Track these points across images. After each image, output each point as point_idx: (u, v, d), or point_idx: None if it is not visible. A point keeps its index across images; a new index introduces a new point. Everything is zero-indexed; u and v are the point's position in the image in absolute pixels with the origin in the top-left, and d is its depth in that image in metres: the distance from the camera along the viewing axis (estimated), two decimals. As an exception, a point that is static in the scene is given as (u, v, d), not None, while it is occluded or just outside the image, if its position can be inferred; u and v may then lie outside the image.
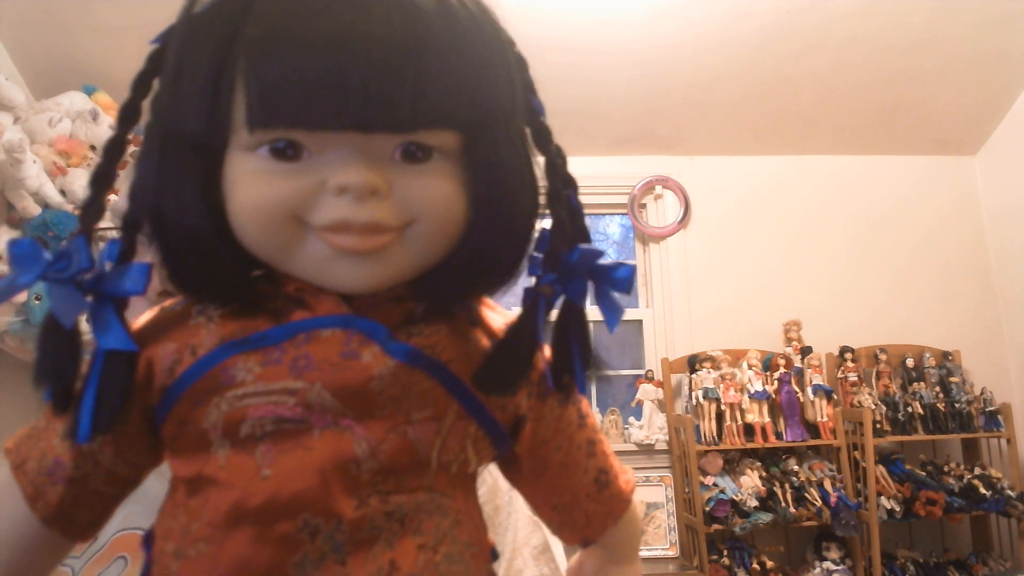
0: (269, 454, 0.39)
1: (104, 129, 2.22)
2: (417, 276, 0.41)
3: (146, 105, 0.41)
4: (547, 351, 0.43)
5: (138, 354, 0.40)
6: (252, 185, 0.37)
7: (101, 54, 2.38)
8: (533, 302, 0.41)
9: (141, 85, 0.41)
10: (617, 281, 0.41)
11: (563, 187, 0.43)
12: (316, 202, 0.37)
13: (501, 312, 0.46)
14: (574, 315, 0.42)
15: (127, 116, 0.41)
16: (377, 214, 0.37)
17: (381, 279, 0.40)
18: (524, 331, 0.41)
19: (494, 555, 0.47)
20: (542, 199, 0.42)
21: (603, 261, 0.41)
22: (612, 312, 0.42)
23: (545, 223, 0.43)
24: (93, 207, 0.41)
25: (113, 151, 0.41)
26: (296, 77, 0.35)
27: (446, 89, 0.36)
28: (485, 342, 0.43)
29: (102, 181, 0.41)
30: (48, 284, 0.38)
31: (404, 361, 0.40)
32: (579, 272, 0.41)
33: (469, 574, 0.42)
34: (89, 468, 0.42)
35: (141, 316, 0.43)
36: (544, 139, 0.43)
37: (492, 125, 0.39)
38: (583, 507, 0.49)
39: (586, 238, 0.43)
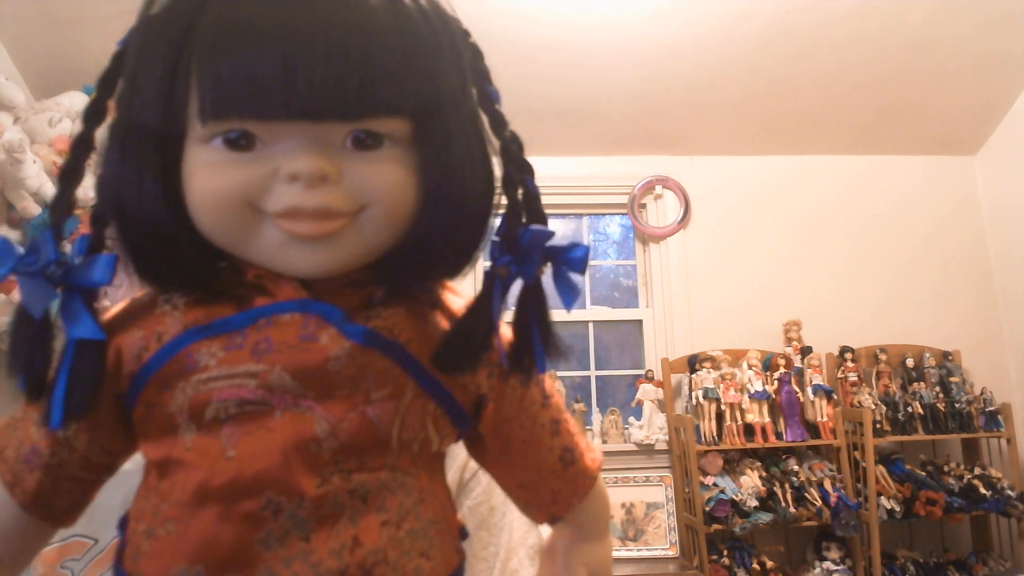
0: (233, 436, 0.40)
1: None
2: (374, 260, 0.42)
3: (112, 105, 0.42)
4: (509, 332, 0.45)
5: (107, 343, 0.42)
6: (208, 175, 0.39)
7: (101, 54, 2.36)
8: (489, 283, 0.43)
9: (106, 84, 0.43)
10: (572, 261, 0.43)
11: (518, 172, 0.44)
12: (269, 189, 0.39)
13: (463, 296, 0.47)
14: (533, 296, 0.44)
15: (92, 114, 0.43)
16: (328, 200, 0.39)
17: (335, 263, 0.41)
18: (480, 311, 0.43)
19: (464, 533, 0.48)
20: (498, 184, 0.44)
21: (556, 242, 0.43)
22: (569, 292, 0.43)
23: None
24: (61, 203, 0.42)
25: (79, 148, 0.43)
26: (246, 70, 0.36)
27: (393, 78, 0.38)
28: (445, 324, 0.45)
29: (69, 177, 0.43)
30: (19, 277, 0.39)
31: (360, 342, 0.42)
32: (532, 252, 0.42)
33: (434, 549, 0.44)
34: (65, 455, 0.43)
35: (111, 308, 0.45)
36: (499, 126, 0.45)
37: (441, 112, 0.40)
38: (549, 485, 0.50)
39: (542, 221, 0.44)
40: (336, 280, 0.42)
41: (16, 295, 2.10)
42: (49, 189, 2.09)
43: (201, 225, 0.40)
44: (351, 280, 0.43)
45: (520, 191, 0.44)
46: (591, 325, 3.13)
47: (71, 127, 2.22)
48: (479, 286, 0.44)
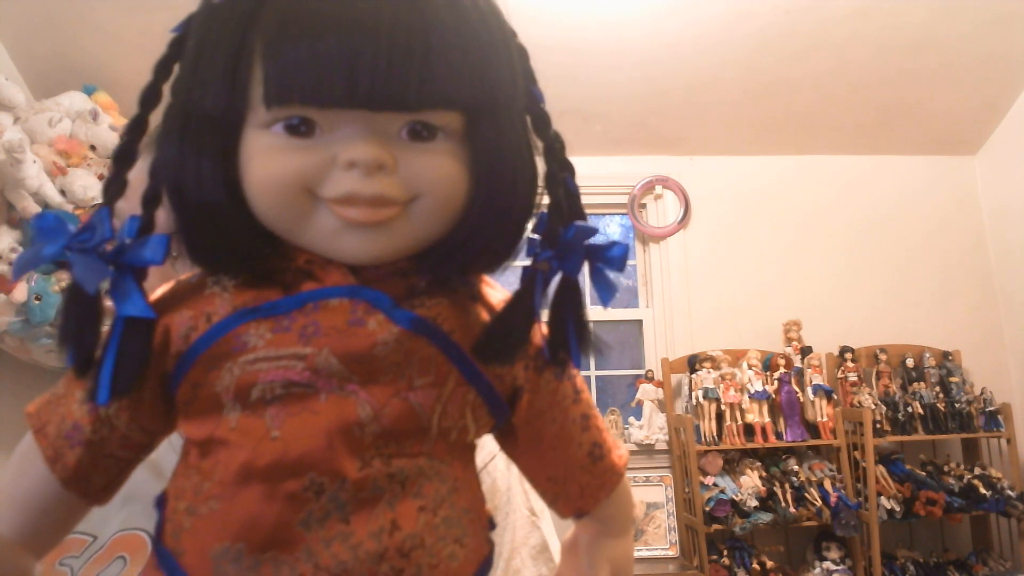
0: (278, 416, 0.41)
1: (104, 129, 2.22)
2: (420, 251, 0.43)
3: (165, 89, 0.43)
4: (545, 327, 0.46)
5: (156, 321, 0.42)
6: (267, 159, 0.40)
7: (101, 54, 2.38)
8: (530, 277, 0.44)
9: (162, 69, 0.43)
10: (611, 259, 0.44)
11: (561, 170, 0.46)
12: (327, 176, 0.40)
13: (501, 290, 0.48)
14: (570, 291, 0.45)
15: (148, 98, 0.43)
16: (383, 188, 0.40)
17: (386, 250, 0.42)
18: (521, 304, 0.44)
19: (492, 524, 0.49)
20: (541, 182, 0.45)
21: (598, 240, 0.44)
22: (606, 289, 0.44)
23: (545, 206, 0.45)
24: (115, 183, 0.43)
25: (133, 131, 0.44)
26: (310, 58, 0.37)
27: (451, 72, 0.39)
28: (485, 316, 0.45)
29: (124, 159, 0.43)
30: (72, 254, 0.40)
31: (407, 328, 0.42)
32: (574, 248, 0.43)
33: (467, 537, 0.45)
34: (106, 432, 0.44)
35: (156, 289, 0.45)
36: (544, 125, 0.45)
37: (494, 108, 0.41)
38: (577, 479, 0.50)
39: (582, 219, 0.45)
40: (382, 268, 0.43)
41: (16, 295, 2.10)
42: (49, 189, 2.08)
43: (258, 209, 0.41)
44: (396, 269, 0.44)
45: (561, 189, 0.45)
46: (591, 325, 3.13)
47: (71, 127, 2.22)
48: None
